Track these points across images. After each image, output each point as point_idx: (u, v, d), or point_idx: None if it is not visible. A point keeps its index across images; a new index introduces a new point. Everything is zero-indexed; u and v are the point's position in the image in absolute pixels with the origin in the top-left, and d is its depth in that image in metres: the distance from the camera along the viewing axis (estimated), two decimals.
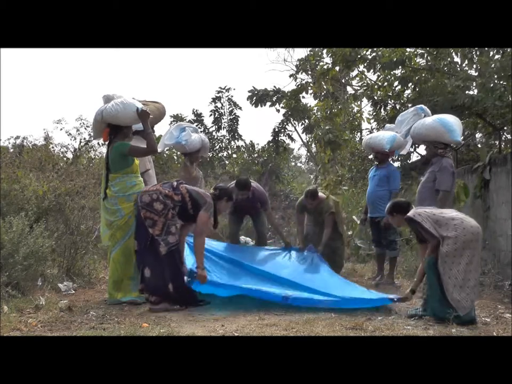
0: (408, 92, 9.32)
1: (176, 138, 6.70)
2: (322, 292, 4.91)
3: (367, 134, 9.69)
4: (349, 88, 14.19)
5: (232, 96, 16.53)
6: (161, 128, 24.76)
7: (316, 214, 6.59)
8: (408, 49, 8.93)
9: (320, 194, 6.55)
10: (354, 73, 11.32)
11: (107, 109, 5.01)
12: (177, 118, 15.44)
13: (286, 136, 15.60)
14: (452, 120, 5.45)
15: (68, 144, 10.23)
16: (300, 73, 12.63)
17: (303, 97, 12.65)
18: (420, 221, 4.31)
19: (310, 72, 12.98)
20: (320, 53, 11.41)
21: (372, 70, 9.32)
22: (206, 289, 4.91)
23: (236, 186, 6.25)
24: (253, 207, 6.53)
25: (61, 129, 8.45)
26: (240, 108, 16.52)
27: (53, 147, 8.76)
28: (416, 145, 9.39)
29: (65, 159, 8.40)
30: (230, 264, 5.43)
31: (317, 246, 6.31)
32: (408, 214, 4.41)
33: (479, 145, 9.27)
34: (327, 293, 4.88)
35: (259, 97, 12.29)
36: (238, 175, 15.75)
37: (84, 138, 8.20)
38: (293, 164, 25.01)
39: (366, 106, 13.37)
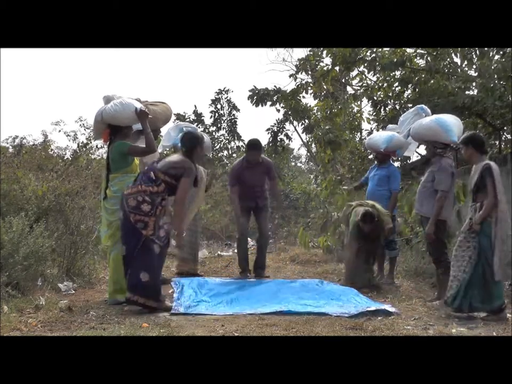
0: (408, 92, 9.32)
1: (174, 139, 6.72)
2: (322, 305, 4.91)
3: (367, 134, 9.69)
4: (349, 88, 14.18)
5: (230, 98, 16.63)
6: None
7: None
8: (408, 50, 8.93)
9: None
10: (354, 73, 11.31)
11: (106, 110, 5.02)
12: (180, 117, 15.49)
13: (284, 135, 15.61)
14: (450, 120, 5.44)
15: (67, 145, 10.27)
16: (300, 73, 12.62)
17: (303, 97, 12.65)
18: (495, 176, 4.48)
19: (310, 72, 12.97)
20: (320, 53, 11.40)
21: (372, 71, 9.32)
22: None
23: (247, 146, 6.37)
24: (259, 180, 6.49)
25: (59, 130, 8.47)
26: (238, 110, 16.62)
27: (51, 150, 8.80)
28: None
29: (64, 159, 8.43)
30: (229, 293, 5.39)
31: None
32: (490, 163, 4.57)
33: None
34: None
35: (260, 97, 12.28)
36: None
37: (82, 142, 8.23)
38: (293, 164, 25.01)
39: (366, 107, 13.37)
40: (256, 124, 35.19)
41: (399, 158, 9.88)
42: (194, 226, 6.82)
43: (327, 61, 10.80)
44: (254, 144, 6.42)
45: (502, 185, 4.56)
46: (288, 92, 12.15)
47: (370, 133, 10.32)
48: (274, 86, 12.43)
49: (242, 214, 6.52)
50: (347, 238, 6.26)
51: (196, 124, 16.05)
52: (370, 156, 9.95)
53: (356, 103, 13.20)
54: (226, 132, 16.78)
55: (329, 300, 5.12)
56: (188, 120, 15.89)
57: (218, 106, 16.77)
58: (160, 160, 4.86)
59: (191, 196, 6.79)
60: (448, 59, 9.22)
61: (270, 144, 15.85)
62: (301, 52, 30.81)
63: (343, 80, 13.33)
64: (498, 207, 4.47)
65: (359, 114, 13.17)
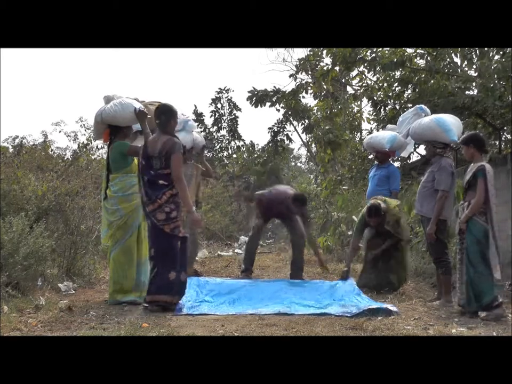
0: (408, 92, 9.32)
1: None
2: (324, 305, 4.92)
3: (367, 134, 9.70)
4: (349, 88, 14.20)
5: (231, 98, 16.59)
6: None
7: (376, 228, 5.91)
8: (408, 50, 8.93)
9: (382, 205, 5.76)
10: (354, 73, 11.33)
11: (106, 110, 5.03)
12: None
13: (284, 136, 15.60)
14: (449, 119, 5.44)
15: (67, 146, 10.24)
16: (300, 73, 12.65)
17: (303, 97, 12.67)
18: (488, 178, 4.50)
19: (310, 72, 13.00)
20: (320, 53, 11.42)
21: (371, 71, 9.33)
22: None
23: (295, 200, 6.34)
24: (290, 210, 6.49)
25: (60, 131, 8.46)
26: (239, 110, 16.57)
27: (52, 150, 8.80)
28: (416, 145, 9.40)
29: (64, 159, 8.43)
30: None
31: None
32: (484, 165, 4.58)
33: None
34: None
35: (259, 98, 12.29)
36: (238, 174, 15.80)
37: (83, 142, 8.22)
38: (293, 164, 25.01)
39: (366, 107, 13.39)
40: (257, 123, 35.28)
41: (399, 158, 9.90)
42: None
43: (327, 61, 10.83)
44: (303, 201, 6.55)
45: (494, 187, 4.57)
46: (288, 92, 12.17)
47: (370, 132, 10.32)
48: (274, 87, 12.46)
49: (263, 217, 6.62)
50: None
51: (196, 124, 16.03)
52: (370, 156, 9.96)
53: (356, 103, 13.24)
54: (226, 131, 16.74)
55: (331, 300, 5.12)
56: None
57: (219, 105, 16.71)
58: (145, 160, 4.68)
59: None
60: (448, 59, 9.22)
61: (270, 144, 15.84)
62: (301, 52, 30.85)
63: (343, 80, 13.34)
64: (491, 209, 4.48)
65: (359, 114, 13.19)
